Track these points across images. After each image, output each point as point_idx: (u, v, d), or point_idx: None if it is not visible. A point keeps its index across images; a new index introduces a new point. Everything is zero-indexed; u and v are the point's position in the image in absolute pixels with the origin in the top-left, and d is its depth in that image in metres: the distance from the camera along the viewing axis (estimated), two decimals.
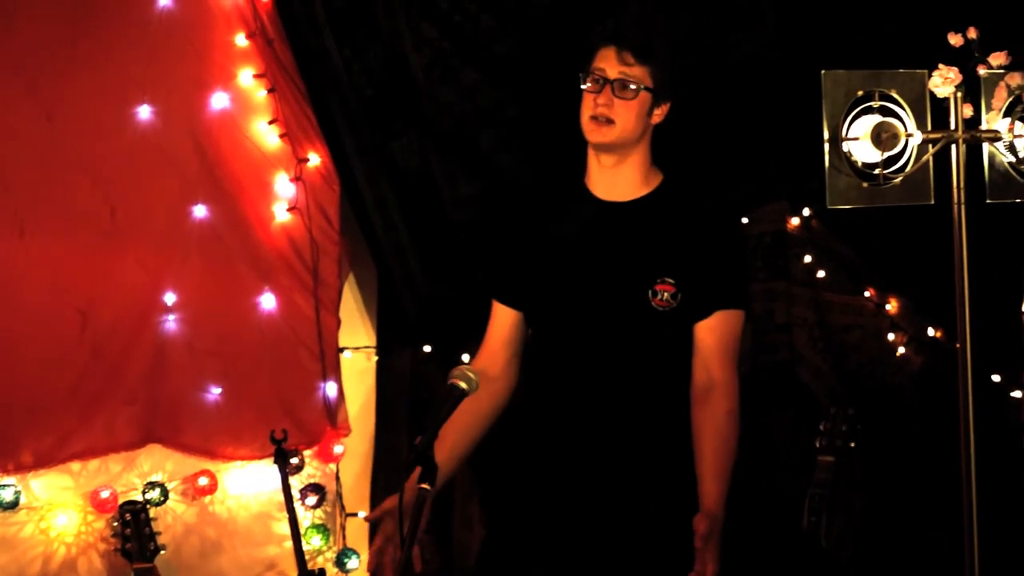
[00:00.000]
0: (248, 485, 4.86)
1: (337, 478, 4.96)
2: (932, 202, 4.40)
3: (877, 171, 4.36)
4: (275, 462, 4.63)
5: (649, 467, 3.83)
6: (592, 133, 3.83)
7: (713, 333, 3.83)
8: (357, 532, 5.01)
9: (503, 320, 3.98)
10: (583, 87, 3.85)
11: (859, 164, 4.35)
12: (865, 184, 4.37)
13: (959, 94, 4.34)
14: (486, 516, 5.13)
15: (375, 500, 5.08)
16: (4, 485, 4.55)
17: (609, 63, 3.82)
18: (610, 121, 3.80)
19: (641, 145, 3.87)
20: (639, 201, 3.88)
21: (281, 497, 4.64)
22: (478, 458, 4.14)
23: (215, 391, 4.74)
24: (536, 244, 3.92)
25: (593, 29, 3.91)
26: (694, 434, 3.79)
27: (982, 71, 4.36)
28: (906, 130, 4.35)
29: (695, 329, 3.84)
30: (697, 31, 4.97)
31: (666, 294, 3.80)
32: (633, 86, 3.80)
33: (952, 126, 4.35)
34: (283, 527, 4.79)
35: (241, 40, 4.77)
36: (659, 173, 3.92)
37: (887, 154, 4.33)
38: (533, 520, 3.91)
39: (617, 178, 3.88)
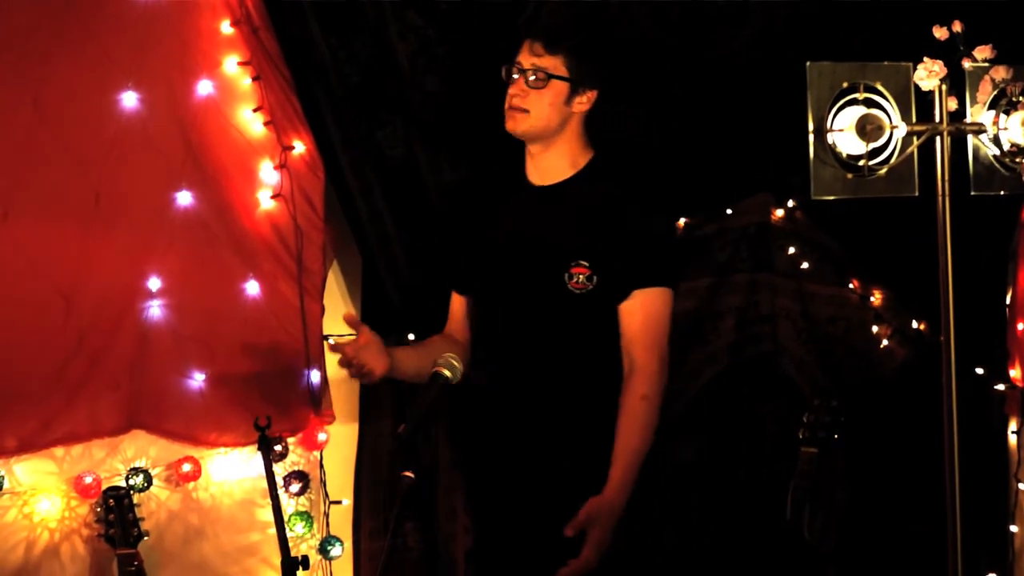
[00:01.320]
0: (232, 472, 4.84)
1: (321, 465, 4.95)
2: (916, 194, 4.41)
3: (861, 163, 4.36)
4: (259, 449, 4.62)
5: (567, 449, 3.88)
6: (506, 122, 3.93)
7: (634, 315, 3.86)
8: (340, 520, 5.01)
9: (456, 306, 4.16)
10: (506, 77, 3.94)
11: (844, 156, 4.36)
12: (849, 176, 4.38)
13: (944, 87, 4.35)
14: (470, 505, 5.13)
15: (359, 488, 5.08)
16: None
17: (524, 55, 3.92)
18: (524, 111, 3.88)
19: (566, 132, 3.93)
20: (562, 184, 3.95)
21: (265, 484, 4.62)
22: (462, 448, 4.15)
23: (199, 377, 4.72)
24: (481, 233, 4.02)
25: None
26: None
27: (967, 64, 4.37)
28: (891, 122, 4.36)
29: (619, 312, 3.86)
30: (682, 26, 4.97)
31: (581, 277, 3.84)
32: (543, 76, 3.86)
33: (937, 119, 4.36)
34: (266, 514, 4.77)
35: (226, 28, 4.75)
36: (588, 155, 3.96)
37: (872, 146, 4.34)
38: (482, 499, 4.09)
39: (545, 164, 3.96)
